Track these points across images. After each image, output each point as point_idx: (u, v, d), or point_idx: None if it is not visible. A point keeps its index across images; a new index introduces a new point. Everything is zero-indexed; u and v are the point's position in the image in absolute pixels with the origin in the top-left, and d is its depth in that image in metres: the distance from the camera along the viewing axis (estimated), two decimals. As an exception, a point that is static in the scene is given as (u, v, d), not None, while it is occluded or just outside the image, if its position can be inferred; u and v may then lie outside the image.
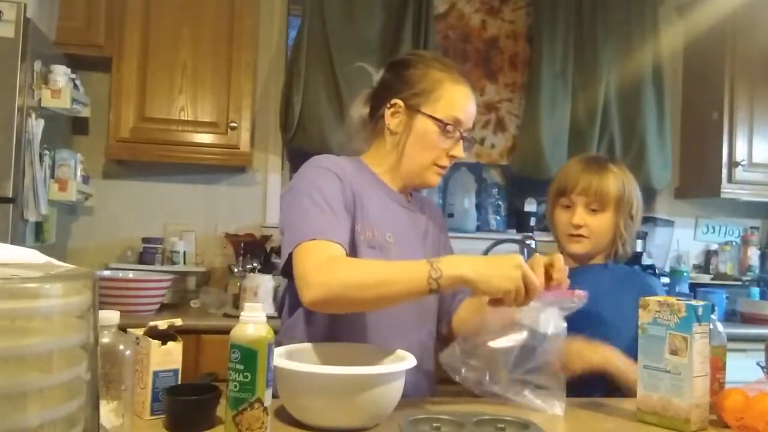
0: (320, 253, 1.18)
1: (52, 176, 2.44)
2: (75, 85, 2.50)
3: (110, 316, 0.95)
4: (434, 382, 1.45)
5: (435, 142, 1.35)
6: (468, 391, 1.29)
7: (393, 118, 1.38)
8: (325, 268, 1.16)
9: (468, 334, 1.29)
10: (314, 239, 1.20)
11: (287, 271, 1.25)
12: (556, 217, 1.58)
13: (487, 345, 1.25)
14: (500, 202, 3.31)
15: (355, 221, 1.31)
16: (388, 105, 1.38)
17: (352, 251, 1.28)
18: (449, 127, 1.34)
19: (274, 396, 1.01)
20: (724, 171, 3.14)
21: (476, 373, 1.26)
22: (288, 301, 1.40)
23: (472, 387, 1.26)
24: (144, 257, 2.80)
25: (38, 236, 2.39)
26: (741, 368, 1.41)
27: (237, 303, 2.61)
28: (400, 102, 1.36)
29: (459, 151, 1.37)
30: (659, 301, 1.20)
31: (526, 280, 1.14)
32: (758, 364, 1.38)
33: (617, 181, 1.53)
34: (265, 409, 0.98)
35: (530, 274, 1.14)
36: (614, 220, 1.53)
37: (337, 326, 1.32)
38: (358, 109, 1.47)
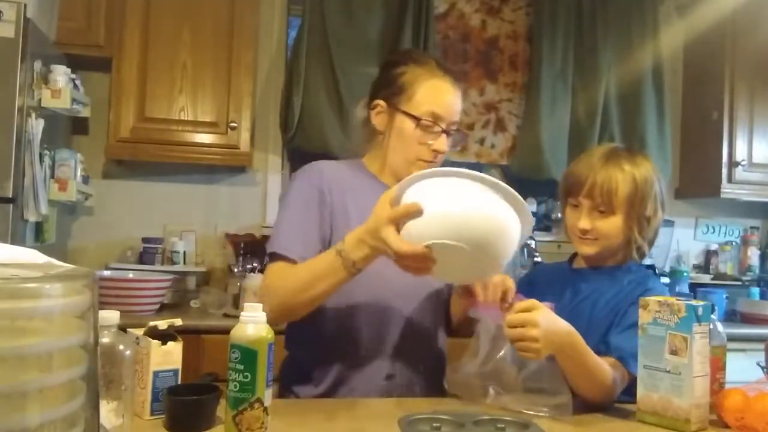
0: (272, 270, 1.31)
1: (52, 176, 2.44)
2: (75, 85, 2.50)
3: (110, 316, 0.95)
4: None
5: (414, 138, 1.37)
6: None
7: (377, 117, 1.43)
8: (266, 292, 1.30)
9: (466, 356, 1.31)
10: (274, 251, 1.32)
11: None
12: (566, 215, 1.48)
13: (485, 358, 1.27)
14: (500, 202, 3.31)
15: (347, 227, 1.32)
16: (372, 106, 1.44)
17: None
18: (425, 122, 1.36)
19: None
20: (724, 171, 3.14)
21: (482, 389, 1.28)
22: None
23: (480, 402, 1.28)
24: (144, 257, 2.80)
25: (38, 236, 2.38)
26: (741, 368, 1.41)
27: (237, 303, 2.61)
28: (381, 102, 1.41)
29: (440, 145, 1.37)
30: (659, 301, 1.20)
31: (399, 255, 1.10)
32: (758, 364, 1.38)
33: (627, 181, 1.38)
34: (265, 409, 0.98)
35: (395, 245, 1.09)
36: (626, 223, 1.39)
37: (350, 323, 1.36)
38: (360, 112, 1.51)
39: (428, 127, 1.36)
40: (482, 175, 1.09)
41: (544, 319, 1.17)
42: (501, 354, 1.27)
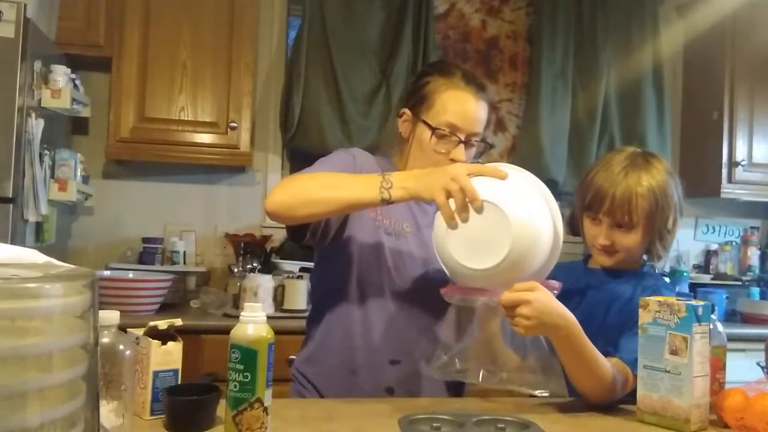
0: (298, 173, 1.34)
1: (52, 176, 2.44)
2: (75, 85, 2.50)
3: (110, 316, 0.95)
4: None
5: (432, 147, 1.40)
6: (470, 391, 1.29)
7: (402, 125, 1.48)
8: (287, 179, 1.33)
9: (448, 341, 1.31)
10: (302, 173, 1.34)
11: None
12: (585, 226, 1.45)
13: (478, 337, 1.26)
14: (500, 202, 3.31)
15: (373, 209, 1.39)
16: (399, 113, 1.49)
17: (372, 236, 1.40)
18: (441, 132, 1.38)
19: None
20: (724, 171, 3.14)
21: (475, 370, 1.27)
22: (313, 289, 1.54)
23: (473, 379, 1.26)
24: (144, 257, 2.80)
25: (38, 236, 2.38)
26: (741, 368, 1.41)
27: (237, 303, 2.61)
28: (407, 111, 1.46)
29: (457, 155, 1.39)
30: (659, 301, 1.20)
31: (460, 183, 1.15)
32: (758, 364, 1.38)
33: (647, 197, 1.36)
34: (265, 409, 0.98)
35: (464, 178, 1.15)
36: (646, 237, 1.39)
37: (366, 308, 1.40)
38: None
39: (445, 137, 1.38)
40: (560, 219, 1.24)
41: (538, 299, 1.16)
42: (494, 333, 1.26)
